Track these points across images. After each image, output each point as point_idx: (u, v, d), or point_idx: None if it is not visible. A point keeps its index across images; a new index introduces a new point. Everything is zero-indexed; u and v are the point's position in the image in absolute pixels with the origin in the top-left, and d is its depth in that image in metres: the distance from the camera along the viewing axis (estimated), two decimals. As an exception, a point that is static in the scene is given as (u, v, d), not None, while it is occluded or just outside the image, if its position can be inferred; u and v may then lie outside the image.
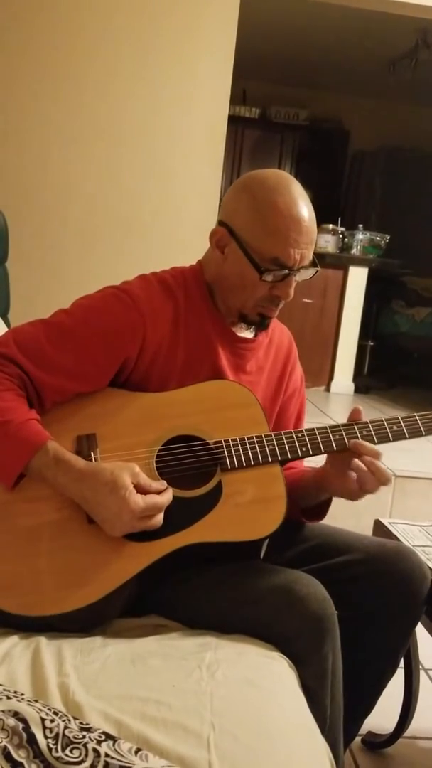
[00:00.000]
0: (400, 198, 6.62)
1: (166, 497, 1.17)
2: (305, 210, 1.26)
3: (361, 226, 5.27)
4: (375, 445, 1.28)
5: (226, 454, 1.25)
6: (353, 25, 5.18)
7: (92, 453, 1.22)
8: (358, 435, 1.29)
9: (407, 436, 1.31)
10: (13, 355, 1.23)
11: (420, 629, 1.53)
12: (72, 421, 1.26)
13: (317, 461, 1.36)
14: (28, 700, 0.88)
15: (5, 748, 0.79)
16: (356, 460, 1.27)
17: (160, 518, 1.16)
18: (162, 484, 1.19)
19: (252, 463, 1.25)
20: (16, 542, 1.17)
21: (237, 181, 1.34)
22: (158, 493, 1.17)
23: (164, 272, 1.38)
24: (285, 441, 1.27)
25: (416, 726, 1.74)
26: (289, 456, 1.27)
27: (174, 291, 1.34)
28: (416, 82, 5.71)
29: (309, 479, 1.39)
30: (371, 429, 1.30)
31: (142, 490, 1.15)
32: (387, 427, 1.31)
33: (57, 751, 0.80)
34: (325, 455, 1.33)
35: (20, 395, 1.22)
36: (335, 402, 4.76)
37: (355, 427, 1.30)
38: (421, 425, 1.32)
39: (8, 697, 0.87)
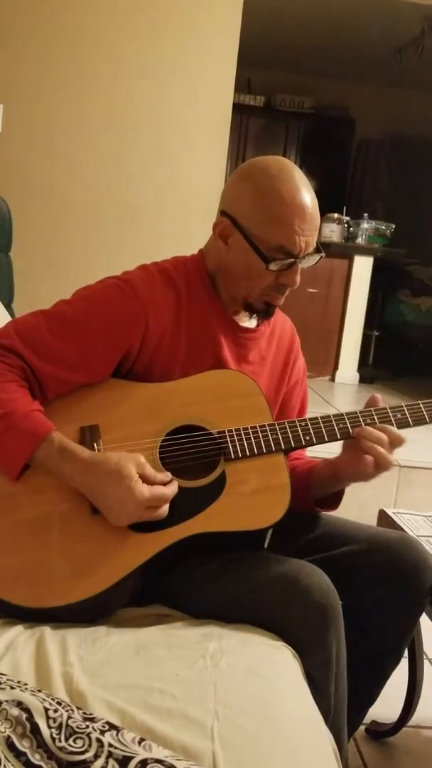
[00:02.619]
0: (406, 187, 6.58)
1: (172, 489, 1.17)
2: (308, 197, 1.25)
3: (366, 215, 5.24)
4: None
5: (230, 444, 1.24)
6: (359, 12, 5.14)
7: (95, 444, 1.21)
8: (362, 423, 1.29)
9: (411, 423, 1.31)
10: (15, 346, 1.23)
11: (424, 619, 1.53)
12: (75, 412, 1.26)
13: (319, 450, 1.36)
14: (32, 690, 0.88)
15: (9, 737, 0.79)
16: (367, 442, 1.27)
17: (165, 509, 1.16)
18: (167, 475, 1.19)
19: (255, 452, 1.24)
20: (21, 534, 1.17)
21: (237, 170, 1.32)
22: (163, 484, 1.17)
23: (165, 262, 1.38)
24: (288, 430, 1.27)
25: (420, 715, 1.74)
26: (293, 445, 1.27)
27: (175, 281, 1.33)
28: (422, 69, 5.66)
29: (324, 470, 1.38)
30: (375, 417, 1.30)
31: (147, 481, 1.14)
32: (391, 415, 1.30)
33: (60, 740, 0.80)
34: (339, 444, 1.32)
35: (23, 386, 1.21)
36: (340, 392, 4.75)
37: (359, 415, 1.30)
38: (425, 413, 1.31)
39: (12, 687, 0.87)
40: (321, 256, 1.31)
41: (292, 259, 1.27)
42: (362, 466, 1.27)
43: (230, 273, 1.34)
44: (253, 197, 1.26)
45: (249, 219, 1.27)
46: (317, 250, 1.30)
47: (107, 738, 0.81)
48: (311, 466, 1.43)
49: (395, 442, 1.27)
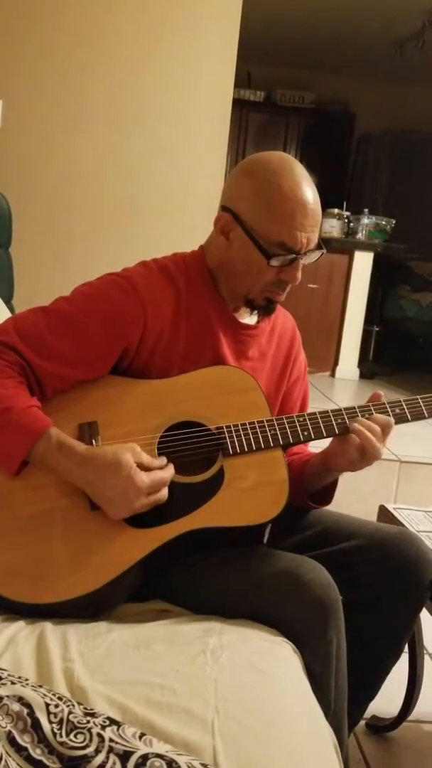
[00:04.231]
0: (407, 182, 6.56)
1: (169, 472, 1.18)
2: (310, 192, 1.25)
3: (366, 210, 5.23)
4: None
5: (228, 440, 1.24)
6: (359, 7, 5.13)
7: (93, 441, 1.21)
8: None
9: (410, 419, 1.31)
10: (13, 342, 1.23)
11: (424, 614, 1.53)
12: (73, 408, 1.26)
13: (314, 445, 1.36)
14: (33, 685, 0.88)
15: (10, 732, 0.80)
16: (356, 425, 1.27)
17: (165, 492, 1.17)
18: (162, 460, 1.19)
19: (254, 448, 1.24)
20: (20, 530, 1.17)
21: (239, 165, 1.32)
22: (160, 469, 1.17)
23: (165, 258, 1.38)
24: (287, 425, 1.27)
25: (420, 710, 1.74)
26: (291, 440, 1.27)
27: (175, 277, 1.33)
28: (423, 64, 5.65)
29: (316, 462, 1.39)
30: (374, 412, 1.30)
31: (144, 468, 1.15)
32: (389, 410, 1.30)
33: (61, 736, 0.81)
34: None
35: (21, 383, 1.21)
36: (340, 387, 4.75)
37: (357, 410, 1.30)
38: (423, 408, 1.31)
39: (12, 683, 0.88)
40: (322, 253, 1.31)
41: (293, 255, 1.27)
42: (350, 454, 1.27)
43: (231, 269, 1.33)
44: (254, 192, 1.26)
45: (250, 214, 1.27)
46: (319, 247, 1.30)
47: (108, 733, 0.81)
48: (305, 460, 1.43)
49: (386, 429, 1.27)
